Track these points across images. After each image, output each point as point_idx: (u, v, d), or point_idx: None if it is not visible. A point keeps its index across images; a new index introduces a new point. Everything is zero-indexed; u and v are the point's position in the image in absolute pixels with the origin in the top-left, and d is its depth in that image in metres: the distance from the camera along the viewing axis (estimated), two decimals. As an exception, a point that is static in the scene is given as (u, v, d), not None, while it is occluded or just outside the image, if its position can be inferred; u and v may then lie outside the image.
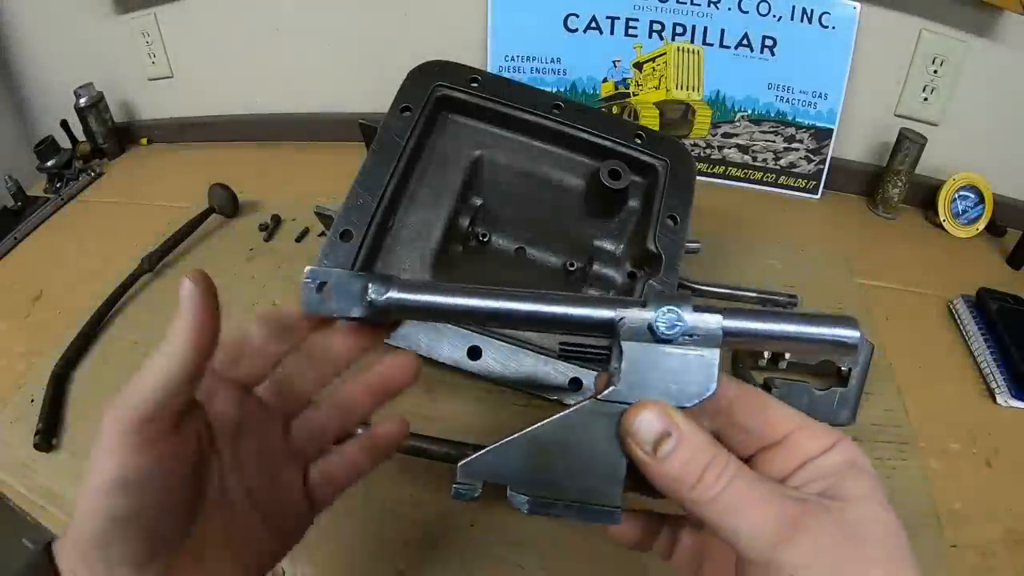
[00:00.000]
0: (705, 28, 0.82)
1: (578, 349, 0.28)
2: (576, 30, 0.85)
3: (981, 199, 0.82)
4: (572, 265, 0.59)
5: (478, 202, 0.60)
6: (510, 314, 0.27)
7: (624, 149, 0.58)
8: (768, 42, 0.82)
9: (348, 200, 0.53)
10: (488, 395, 0.56)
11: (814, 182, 0.87)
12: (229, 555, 0.26)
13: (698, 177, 0.59)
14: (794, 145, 0.86)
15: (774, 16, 0.81)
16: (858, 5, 0.79)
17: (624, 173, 0.56)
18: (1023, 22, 0.73)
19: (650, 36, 0.84)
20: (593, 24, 0.84)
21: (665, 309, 0.25)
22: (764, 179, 0.89)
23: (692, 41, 0.83)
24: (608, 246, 0.60)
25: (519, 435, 0.27)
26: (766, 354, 0.55)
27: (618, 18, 0.83)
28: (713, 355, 0.25)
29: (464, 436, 0.52)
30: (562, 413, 0.26)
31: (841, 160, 0.87)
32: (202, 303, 0.23)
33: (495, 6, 0.85)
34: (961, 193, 0.82)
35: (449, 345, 0.51)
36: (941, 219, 0.82)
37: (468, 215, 0.59)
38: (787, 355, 0.56)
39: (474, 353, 0.51)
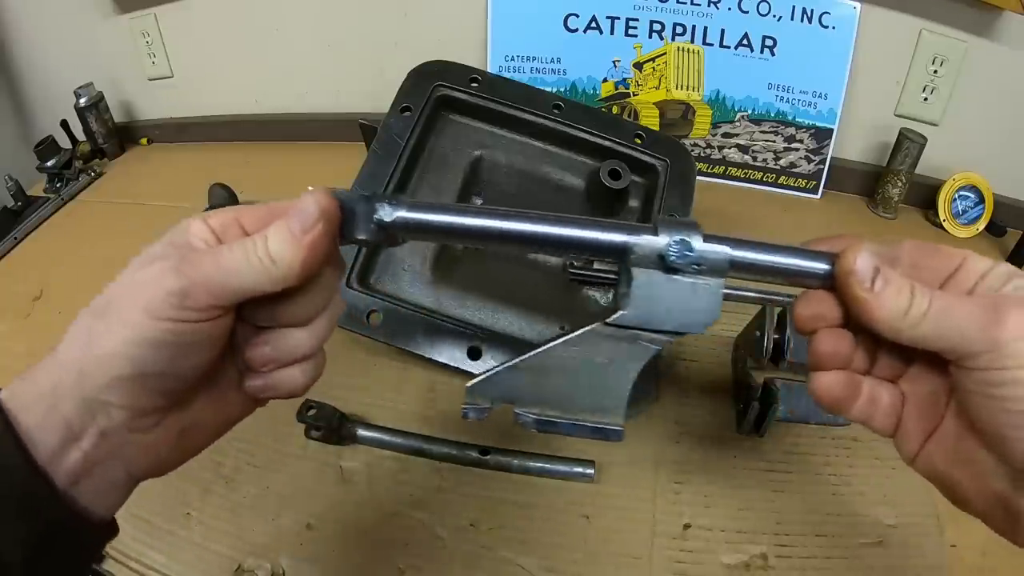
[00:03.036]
0: (705, 28, 0.82)
1: (586, 274, 0.28)
2: (576, 30, 0.85)
3: (981, 199, 0.82)
4: (572, 265, 0.59)
5: (478, 202, 0.60)
6: (522, 235, 0.27)
7: (624, 149, 0.58)
8: (768, 42, 0.82)
9: (348, 200, 0.53)
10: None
11: (814, 182, 0.87)
12: (209, 409, 0.27)
13: (698, 177, 0.59)
14: (794, 145, 0.86)
15: (774, 16, 0.81)
16: (858, 5, 0.79)
17: (624, 173, 0.56)
18: (1023, 22, 0.73)
19: (650, 36, 0.84)
20: (593, 24, 0.84)
21: (677, 239, 0.25)
22: (764, 179, 0.89)
23: (692, 41, 0.83)
24: (608, 246, 0.60)
25: (527, 356, 0.27)
26: (766, 354, 0.55)
27: (618, 18, 0.83)
28: (719, 285, 0.26)
29: (464, 436, 0.53)
30: (568, 336, 0.27)
31: (841, 160, 0.87)
32: (330, 227, 0.25)
33: (495, 6, 0.84)
34: (961, 193, 0.82)
35: (449, 345, 0.51)
36: (941, 219, 0.82)
37: (468, 215, 0.59)
38: (787, 355, 0.55)
39: (474, 353, 0.51)
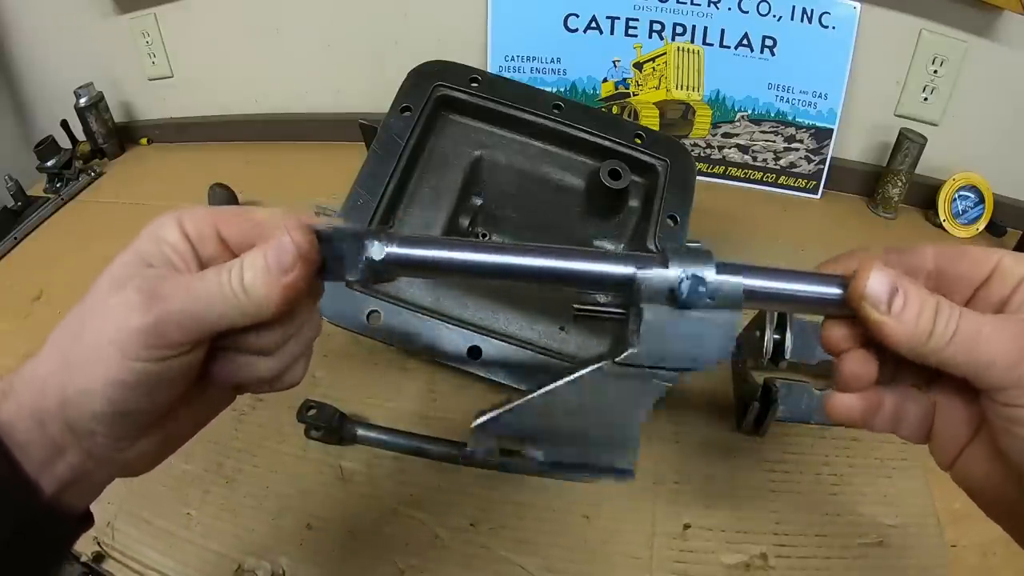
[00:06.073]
0: (705, 28, 0.82)
1: (592, 310, 0.27)
2: (576, 30, 0.85)
3: (981, 199, 0.82)
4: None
5: (478, 202, 0.60)
6: (519, 270, 0.25)
7: (624, 149, 0.58)
8: (768, 42, 0.82)
9: (348, 200, 0.53)
10: (488, 395, 0.56)
11: (814, 182, 0.87)
12: (188, 418, 0.27)
13: (698, 177, 0.59)
14: (794, 145, 0.86)
15: (774, 16, 0.81)
16: (858, 5, 0.79)
17: (624, 173, 0.56)
18: (1023, 22, 0.73)
19: (650, 36, 0.84)
20: (593, 24, 0.84)
21: (688, 275, 0.24)
22: (764, 179, 0.88)
23: (692, 41, 0.83)
24: (608, 246, 0.60)
25: (534, 395, 0.26)
26: (766, 354, 0.55)
27: (618, 18, 0.83)
28: (734, 317, 0.25)
29: (464, 436, 0.53)
30: (577, 374, 0.26)
31: (841, 160, 0.87)
32: (308, 259, 0.24)
33: (495, 6, 0.84)
34: (961, 193, 0.82)
35: (449, 345, 0.51)
36: (941, 219, 0.82)
37: (468, 215, 0.59)
38: (787, 355, 0.55)
39: (474, 353, 0.51)
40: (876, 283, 0.24)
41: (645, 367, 0.25)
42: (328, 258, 0.25)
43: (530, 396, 0.26)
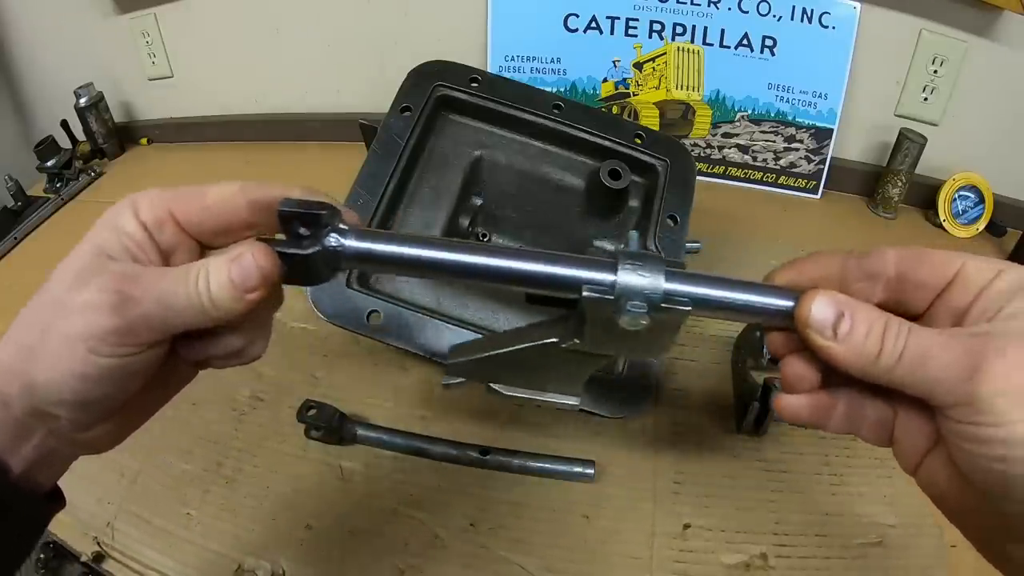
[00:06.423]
0: (705, 28, 0.82)
1: (544, 295, 0.28)
2: (576, 30, 0.85)
3: (981, 199, 0.82)
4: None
5: (478, 202, 0.60)
6: (470, 268, 0.26)
7: (624, 149, 0.58)
8: (768, 42, 0.82)
9: (348, 200, 0.53)
10: (488, 395, 0.56)
11: (814, 182, 0.87)
12: (151, 398, 0.28)
13: (698, 177, 0.59)
14: (794, 145, 0.86)
15: (774, 16, 0.81)
16: (858, 5, 0.79)
17: (624, 173, 0.56)
18: (1023, 22, 0.73)
19: (650, 36, 0.84)
20: (593, 24, 0.84)
21: (631, 306, 0.25)
22: (764, 179, 0.88)
23: (692, 41, 0.83)
24: (608, 246, 0.60)
25: (494, 352, 0.31)
26: (766, 354, 0.55)
27: (618, 18, 0.83)
28: (676, 327, 0.26)
29: (464, 436, 0.53)
30: (529, 344, 0.30)
31: (841, 160, 0.87)
32: (270, 281, 0.25)
33: (495, 6, 0.84)
34: (961, 193, 0.82)
35: (449, 345, 0.51)
36: (941, 219, 0.82)
37: (468, 215, 0.59)
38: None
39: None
40: (820, 309, 0.24)
41: (590, 354, 0.28)
42: (300, 268, 0.26)
43: (491, 352, 0.31)
